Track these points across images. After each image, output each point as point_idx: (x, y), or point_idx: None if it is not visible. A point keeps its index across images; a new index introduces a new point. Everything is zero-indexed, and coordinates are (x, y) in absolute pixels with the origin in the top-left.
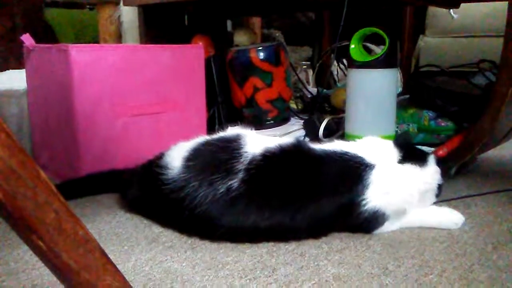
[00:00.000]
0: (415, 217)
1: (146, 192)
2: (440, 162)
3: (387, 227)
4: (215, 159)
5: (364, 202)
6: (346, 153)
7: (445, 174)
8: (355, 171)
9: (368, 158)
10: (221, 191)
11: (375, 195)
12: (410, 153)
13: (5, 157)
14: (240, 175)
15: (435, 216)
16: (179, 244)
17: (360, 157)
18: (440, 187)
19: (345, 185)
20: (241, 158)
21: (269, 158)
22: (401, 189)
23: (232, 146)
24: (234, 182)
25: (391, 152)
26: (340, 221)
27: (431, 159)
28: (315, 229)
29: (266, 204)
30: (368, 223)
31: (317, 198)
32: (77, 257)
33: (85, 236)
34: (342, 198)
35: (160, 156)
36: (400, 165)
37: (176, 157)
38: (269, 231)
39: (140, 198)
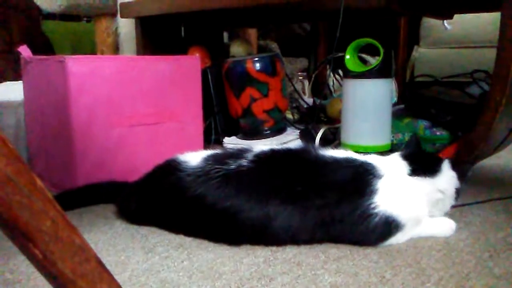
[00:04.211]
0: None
1: (157, 192)
2: (456, 165)
3: (398, 239)
4: (229, 154)
5: (372, 205)
6: (355, 159)
7: (462, 176)
8: (363, 174)
9: (378, 166)
10: (232, 167)
11: (385, 201)
12: (421, 163)
13: (1, 165)
14: (250, 158)
15: (430, 226)
16: (175, 254)
17: (370, 163)
18: (458, 191)
19: (351, 185)
20: (251, 152)
21: (277, 152)
22: (410, 201)
23: (243, 149)
24: (244, 161)
25: (401, 164)
26: (346, 222)
27: (445, 165)
28: (319, 224)
29: (270, 185)
30: (380, 229)
31: (321, 192)
32: (73, 266)
33: (81, 245)
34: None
35: (174, 159)
36: (410, 177)
37: (194, 157)
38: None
39: (148, 202)
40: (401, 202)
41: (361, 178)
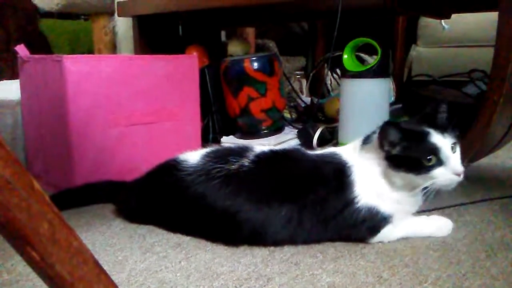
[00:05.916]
0: (408, 227)
1: (157, 191)
2: None
3: (390, 232)
4: (230, 151)
5: (356, 199)
6: (329, 154)
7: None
8: (339, 168)
9: (347, 157)
10: (233, 167)
11: (363, 192)
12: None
13: None
14: (251, 158)
15: (428, 226)
16: (173, 254)
17: (339, 154)
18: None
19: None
20: (252, 151)
21: (276, 153)
22: (382, 186)
23: (244, 147)
24: (245, 162)
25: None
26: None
27: None
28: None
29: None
30: (368, 221)
31: (312, 191)
32: (71, 268)
33: (79, 247)
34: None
35: (174, 159)
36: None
37: (194, 155)
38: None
39: (148, 201)
40: (376, 189)
41: (338, 172)
